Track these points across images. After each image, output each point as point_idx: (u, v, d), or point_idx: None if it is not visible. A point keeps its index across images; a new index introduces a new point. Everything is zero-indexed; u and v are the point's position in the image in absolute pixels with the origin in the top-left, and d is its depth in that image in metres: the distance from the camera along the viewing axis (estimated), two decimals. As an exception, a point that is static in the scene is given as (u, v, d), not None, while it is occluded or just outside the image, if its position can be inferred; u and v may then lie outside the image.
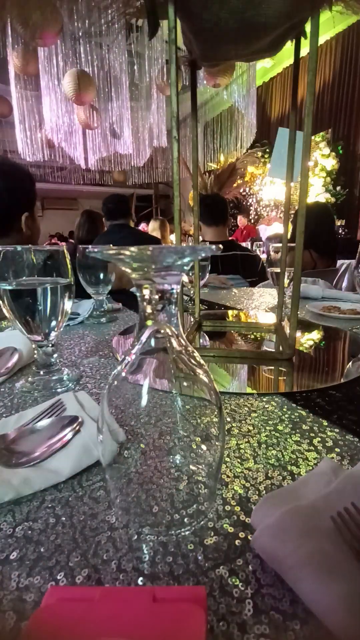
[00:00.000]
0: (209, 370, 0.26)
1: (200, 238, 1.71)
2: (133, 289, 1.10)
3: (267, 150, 5.66)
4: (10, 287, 0.44)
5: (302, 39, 0.54)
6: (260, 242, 4.49)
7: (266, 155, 5.70)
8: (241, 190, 5.32)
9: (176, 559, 0.22)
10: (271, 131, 6.21)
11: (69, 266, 0.48)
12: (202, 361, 0.26)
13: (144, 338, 0.25)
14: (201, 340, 0.71)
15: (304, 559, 0.19)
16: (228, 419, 0.39)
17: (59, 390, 0.47)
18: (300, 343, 0.70)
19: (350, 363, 0.60)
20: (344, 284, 1.70)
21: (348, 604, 0.17)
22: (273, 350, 0.67)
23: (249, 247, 3.18)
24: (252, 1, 0.42)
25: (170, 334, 0.25)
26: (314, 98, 0.47)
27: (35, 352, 0.50)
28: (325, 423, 0.39)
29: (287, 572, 0.20)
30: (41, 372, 0.50)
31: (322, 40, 5.08)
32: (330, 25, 4.03)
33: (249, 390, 0.49)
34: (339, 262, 1.72)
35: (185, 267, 0.23)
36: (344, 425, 0.38)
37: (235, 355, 0.62)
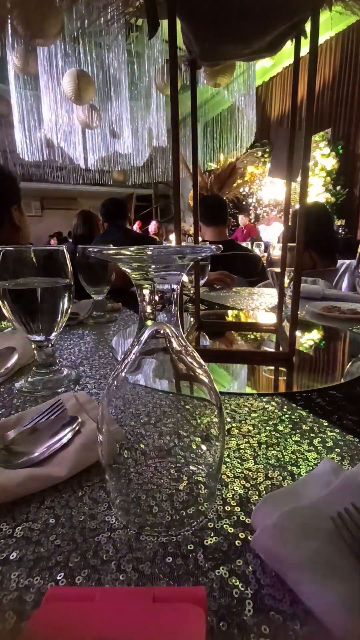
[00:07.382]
0: (209, 370, 0.26)
1: (200, 238, 1.71)
2: (133, 289, 1.10)
3: (267, 150, 5.66)
4: (10, 287, 0.44)
5: (302, 38, 0.54)
6: (260, 242, 4.48)
7: (266, 155, 5.70)
8: (241, 190, 5.31)
9: (176, 559, 0.22)
10: (271, 131, 6.21)
11: (69, 266, 0.48)
12: (202, 361, 0.26)
13: (144, 338, 0.25)
14: (201, 340, 0.71)
15: (304, 559, 0.19)
16: (228, 419, 0.39)
17: (58, 390, 0.47)
18: (300, 343, 0.70)
19: (350, 363, 0.60)
20: (344, 284, 1.70)
21: (348, 604, 0.17)
22: (273, 350, 0.67)
23: (249, 247, 3.18)
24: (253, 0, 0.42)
25: (170, 334, 0.25)
26: (314, 98, 0.47)
27: (35, 352, 0.50)
28: (325, 423, 0.39)
29: (287, 573, 0.20)
30: (41, 372, 0.50)
31: (322, 40, 5.09)
32: (330, 25, 4.03)
33: (248, 390, 0.49)
34: (339, 262, 1.72)
35: (185, 267, 0.23)
36: (344, 425, 0.38)
37: (235, 355, 0.62)
